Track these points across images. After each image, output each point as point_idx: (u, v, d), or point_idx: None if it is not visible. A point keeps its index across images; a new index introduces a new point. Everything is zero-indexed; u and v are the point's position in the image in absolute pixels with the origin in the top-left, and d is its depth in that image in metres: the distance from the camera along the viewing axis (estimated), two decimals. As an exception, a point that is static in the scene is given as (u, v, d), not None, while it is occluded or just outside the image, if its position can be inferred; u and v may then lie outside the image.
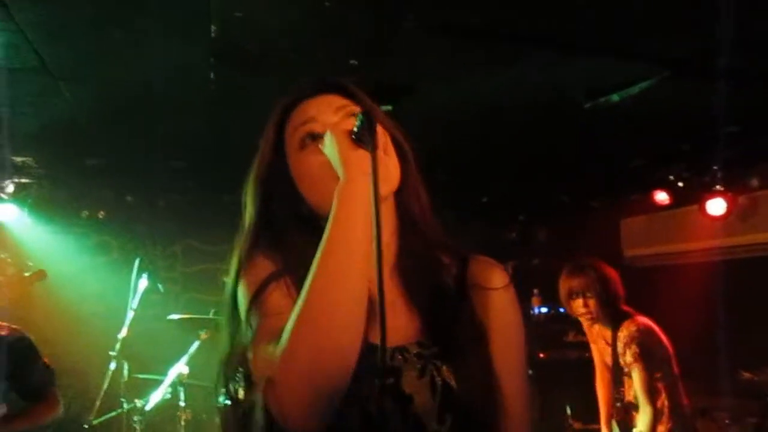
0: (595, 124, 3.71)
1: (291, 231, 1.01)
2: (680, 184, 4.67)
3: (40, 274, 3.78)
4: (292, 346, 0.82)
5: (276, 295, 0.93)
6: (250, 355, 0.91)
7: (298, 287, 0.90)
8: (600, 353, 3.38)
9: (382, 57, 2.78)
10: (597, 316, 3.18)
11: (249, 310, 0.94)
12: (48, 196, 4.81)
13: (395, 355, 0.97)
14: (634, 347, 3.04)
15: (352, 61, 2.80)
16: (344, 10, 2.35)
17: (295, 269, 0.95)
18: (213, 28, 2.45)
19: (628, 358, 3.07)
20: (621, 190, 5.27)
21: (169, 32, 2.55)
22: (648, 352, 3.04)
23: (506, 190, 5.44)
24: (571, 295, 3.24)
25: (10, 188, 4.67)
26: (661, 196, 4.84)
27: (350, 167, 0.90)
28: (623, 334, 3.11)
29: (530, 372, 4.89)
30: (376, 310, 0.86)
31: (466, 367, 0.98)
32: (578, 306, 3.22)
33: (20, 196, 4.70)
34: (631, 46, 2.74)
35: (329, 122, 1.02)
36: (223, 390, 1.04)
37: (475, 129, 3.91)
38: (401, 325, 0.98)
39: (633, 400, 3.15)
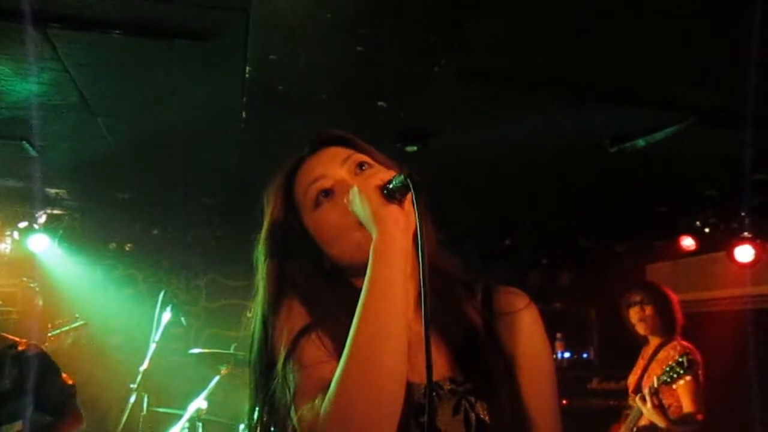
0: (621, 168, 3.71)
1: (316, 284, 1.03)
2: (707, 230, 4.61)
3: (85, 327, 3.86)
4: (340, 401, 0.85)
5: (310, 347, 0.95)
6: (293, 412, 0.92)
7: (330, 337, 0.94)
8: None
9: (410, 100, 2.83)
10: (652, 324, 3.23)
11: (285, 363, 0.95)
12: (78, 228, 4.91)
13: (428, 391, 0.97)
14: (687, 358, 3.01)
15: (380, 103, 2.87)
16: (376, 54, 2.42)
17: (323, 321, 0.98)
18: (248, 69, 2.54)
19: (677, 365, 3.00)
20: (646, 236, 5.22)
21: (205, 72, 2.65)
22: (699, 375, 3.04)
23: (530, 233, 5.42)
24: (630, 305, 3.33)
25: (43, 219, 4.79)
26: (688, 242, 4.78)
27: (383, 223, 0.92)
28: (675, 346, 3.12)
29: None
30: (410, 349, 0.89)
31: (499, 401, 0.99)
32: (635, 313, 3.29)
33: (52, 226, 4.82)
34: (658, 93, 2.76)
35: (338, 176, 1.04)
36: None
37: (500, 172, 3.93)
38: (434, 362, 0.98)
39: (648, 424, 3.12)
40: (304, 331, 0.96)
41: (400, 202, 0.94)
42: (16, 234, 4.78)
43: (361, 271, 0.95)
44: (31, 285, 4.50)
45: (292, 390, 0.92)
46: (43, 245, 4.76)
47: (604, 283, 5.25)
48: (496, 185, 4.25)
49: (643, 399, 3.03)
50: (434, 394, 0.98)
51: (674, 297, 3.36)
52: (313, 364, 0.93)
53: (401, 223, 0.92)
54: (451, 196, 4.38)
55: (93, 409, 4.58)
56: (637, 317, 3.31)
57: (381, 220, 0.93)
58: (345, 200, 1.00)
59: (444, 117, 3.07)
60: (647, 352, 3.34)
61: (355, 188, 0.97)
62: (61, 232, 4.85)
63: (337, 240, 1.02)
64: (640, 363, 3.36)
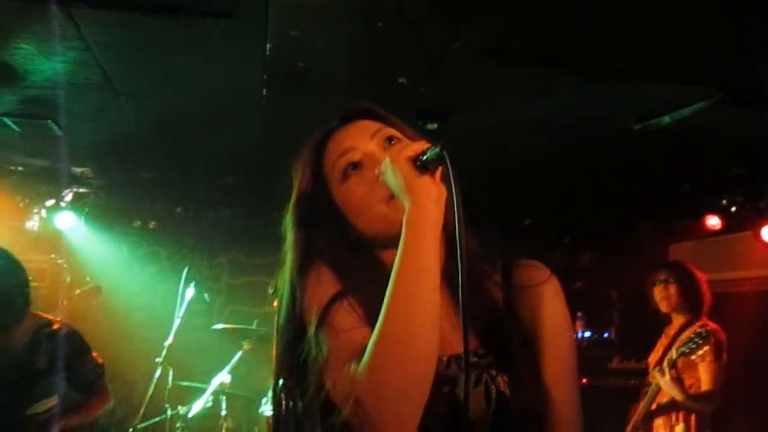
0: (645, 146, 3.65)
1: (343, 254, 1.04)
2: (733, 209, 4.53)
3: (96, 291, 3.95)
4: (377, 367, 0.87)
5: (342, 313, 0.96)
6: (327, 377, 0.93)
7: (360, 304, 0.96)
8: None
9: (431, 77, 2.81)
10: (675, 302, 3.21)
11: (318, 329, 0.96)
12: (103, 206, 4.99)
13: (450, 363, 0.99)
14: (706, 330, 2.98)
15: (401, 80, 2.85)
16: (396, 31, 2.40)
17: (351, 288, 0.99)
18: (268, 46, 2.54)
19: (696, 336, 2.97)
20: (670, 215, 5.14)
21: (226, 50, 2.65)
22: (722, 354, 3.00)
23: (551, 213, 5.38)
24: (655, 283, 3.32)
25: (69, 197, 4.88)
26: (713, 221, 4.70)
27: (416, 194, 0.93)
28: (700, 326, 3.07)
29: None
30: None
31: (520, 375, 1.00)
32: (659, 291, 3.28)
33: (77, 204, 4.90)
34: (684, 69, 2.70)
35: (367, 150, 1.05)
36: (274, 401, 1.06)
37: (521, 150, 3.90)
38: (454, 334, 0.99)
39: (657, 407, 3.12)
40: (336, 298, 0.97)
41: (432, 174, 0.95)
42: (43, 212, 4.88)
43: (386, 244, 0.98)
44: (59, 262, 4.62)
45: (325, 355, 0.94)
46: (69, 223, 4.86)
47: (626, 263, 5.20)
48: (516, 164, 4.21)
49: (662, 372, 3.02)
50: (456, 365, 0.99)
51: (702, 276, 3.30)
52: (345, 329, 0.94)
53: (434, 195, 0.93)
54: (472, 174, 4.35)
55: (120, 382, 4.70)
56: (661, 295, 3.29)
57: (414, 191, 0.93)
58: (376, 171, 1.01)
59: (464, 95, 3.05)
60: (670, 331, 3.31)
61: (387, 159, 0.98)
62: (86, 210, 4.94)
63: (363, 212, 1.04)
64: (663, 341, 3.33)
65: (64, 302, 3.94)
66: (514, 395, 0.99)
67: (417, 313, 0.88)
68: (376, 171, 1.01)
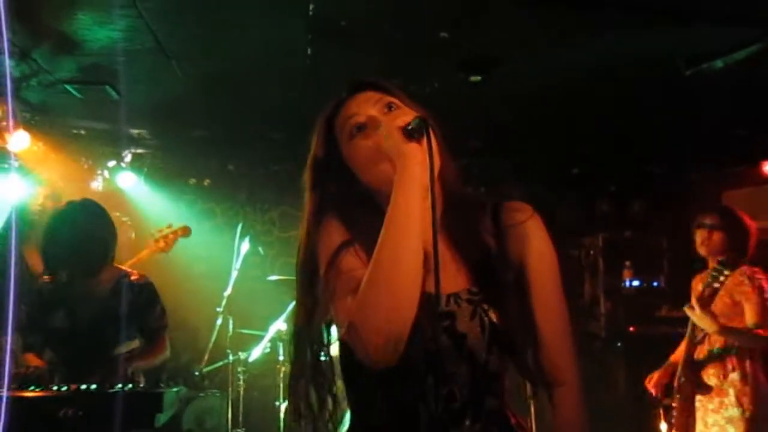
0: (698, 90, 3.55)
1: (350, 205, 1.21)
2: (792, 154, 4.37)
3: (186, 230, 4.08)
4: (367, 297, 1.06)
5: (348, 257, 1.14)
6: (332, 307, 1.14)
7: (365, 250, 1.13)
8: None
9: (472, 29, 2.80)
10: (717, 249, 3.09)
11: (328, 270, 1.14)
12: (160, 165, 5.23)
13: (450, 301, 1.17)
14: (757, 282, 2.90)
15: (442, 34, 2.86)
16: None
17: (358, 236, 1.16)
18: (311, 6, 2.58)
19: (745, 287, 2.90)
20: (724, 161, 4.99)
21: (270, 11, 2.72)
22: (764, 294, 2.91)
23: (599, 161, 5.30)
24: (699, 226, 3.19)
25: (128, 158, 5.12)
26: (770, 167, 4.55)
27: (404, 158, 1.11)
28: (743, 272, 2.97)
29: (605, 335, 4.74)
30: (430, 266, 1.07)
31: (507, 307, 1.17)
32: (700, 234, 3.16)
33: (136, 165, 5.15)
34: (737, 8, 2.60)
35: (370, 114, 1.21)
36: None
37: (567, 98, 3.85)
38: (452, 275, 1.18)
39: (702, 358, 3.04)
40: (343, 245, 1.15)
41: (419, 141, 1.11)
42: (106, 172, 5.15)
43: (389, 196, 1.12)
44: (124, 219, 4.88)
45: (331, 291, 1.13)
46: (130, 182, 5.12)
47: (677, 211, 5.11)
48: (563, 112, 4.15)
49: (691, 308, 2.90)
50: (454, 302, 1.16)
51: (752, 226, 3.15)
52: (348, 270, 1.12)
53: (419, 158, 1.10)
54: (517, 124, 4.33)
55: (185, 329, 5.01)
56: (700, 239, 3.17)
57: (402, 155, 1.11)
58: (373, 137, 1.17)
59: (507, 45, 3.02)
60: (708, 276, 3.18)
61: (383, 128, 1.16)
62: (145, 169, 5.18)
63: (367, 168, 1.20)
64: (707, 291, 3.22)
65: (160, 242, 3.94)
66: (504, 325, 1.16)
67: (402, 256, 1.06)
68: (373, 137, 1.17)
